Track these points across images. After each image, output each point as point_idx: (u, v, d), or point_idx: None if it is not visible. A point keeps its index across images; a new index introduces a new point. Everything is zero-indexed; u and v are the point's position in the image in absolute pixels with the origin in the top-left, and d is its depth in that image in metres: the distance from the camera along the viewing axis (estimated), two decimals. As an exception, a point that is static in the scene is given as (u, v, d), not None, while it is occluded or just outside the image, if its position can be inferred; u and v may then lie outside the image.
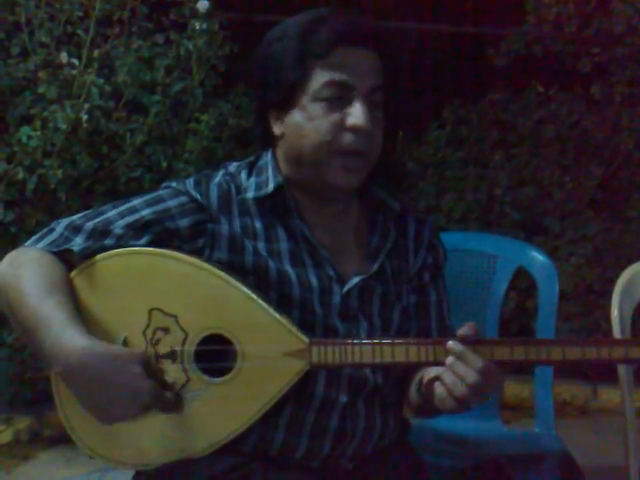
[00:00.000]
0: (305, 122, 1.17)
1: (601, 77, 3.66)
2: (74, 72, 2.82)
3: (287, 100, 1.18)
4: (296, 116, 1.18)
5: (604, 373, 3.12)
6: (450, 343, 1.07)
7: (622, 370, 1.52)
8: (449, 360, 1.07)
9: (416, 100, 3.91)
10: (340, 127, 1.15)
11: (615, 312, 1.54)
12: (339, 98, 1.16)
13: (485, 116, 3.95)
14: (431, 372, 1.16)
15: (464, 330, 1.07)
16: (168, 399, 1.09)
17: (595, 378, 3.45)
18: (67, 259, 1.17)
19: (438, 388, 1.09)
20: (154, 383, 1.07)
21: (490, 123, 3.93)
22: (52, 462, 2.67)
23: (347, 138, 1.16)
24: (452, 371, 1.06)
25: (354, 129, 1.15)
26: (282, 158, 1.23)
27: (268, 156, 1.26)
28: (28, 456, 2.73)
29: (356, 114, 1.15)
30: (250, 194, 1.22)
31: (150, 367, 1.08)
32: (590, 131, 3.70)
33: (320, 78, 1.16)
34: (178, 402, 1.11)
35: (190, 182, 1.23)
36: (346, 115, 1.16)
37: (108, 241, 1.16)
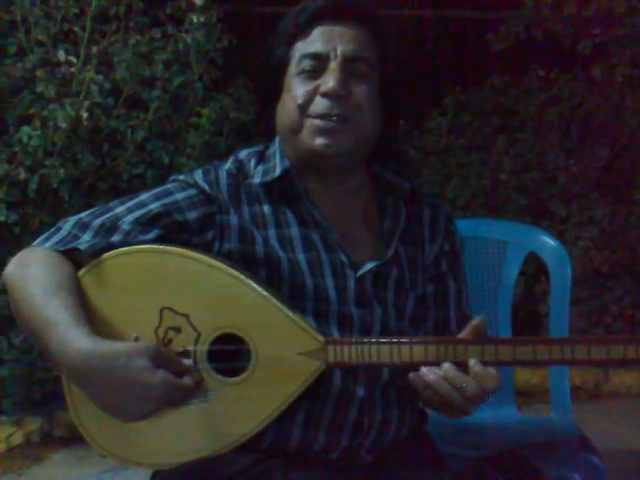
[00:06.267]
0: (285, 96, 1.19)
1: (602, 58, 3.63)
2: (72, 70, 2.79)
3: (278, 85, 1.21)
4: (283, 96, 1.20)
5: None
6: (446, 366, 1.04)
7: None
8: (445, 367, 1.04)
9: (416, 87, 3.88)
10: (314, 94, 1.17)
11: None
12: (315, 70, 1.18)
13: (486, 101, 3.92)
14: None
15: (478, 321, 1.05)
16: (187, 385, 1.07)
17: (606, 362, 3.43)
18: (75, 258, 1.15)
19: (433, 398, 1.06)
20: (165, 373, 1.04)
21: (491, 108, 3.91)
22: (64, 462, 2.67)
23: (319, 102, 1.17)
24: (447, 382, 1.04)
25: (325, 94, 1.16)
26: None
27: (276, 144, 1.25)
28: (40, 457, 2.72)
29: (326, 79, 1.16)
30: (257, 179, 1.21)
31: (160, 358, 1.05)
32: (593, 113, 3.67)
33: (297, 54, 1.19)
34: (199, 385, 1.08)
35: (199, 173, 1.22)
36: (321, 83, 1.17)
37: (115, 237, 1.14)
